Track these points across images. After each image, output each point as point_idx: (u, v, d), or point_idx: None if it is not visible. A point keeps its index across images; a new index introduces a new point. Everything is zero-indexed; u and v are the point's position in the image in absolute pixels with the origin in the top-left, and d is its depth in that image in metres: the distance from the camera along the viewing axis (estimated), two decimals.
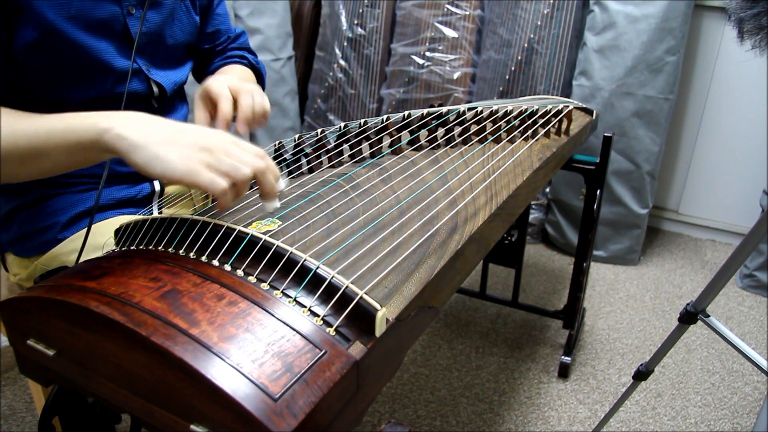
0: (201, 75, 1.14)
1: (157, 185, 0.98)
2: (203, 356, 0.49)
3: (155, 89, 0.95)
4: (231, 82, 0.84)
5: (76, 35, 0.81)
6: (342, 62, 2.53)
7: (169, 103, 1.01)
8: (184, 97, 1.08)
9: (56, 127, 0.64)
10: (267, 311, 0.54)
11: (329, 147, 0.92)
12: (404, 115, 1.02)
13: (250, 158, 0.63)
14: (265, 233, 0.62)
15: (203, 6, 1.04)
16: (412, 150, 0.98)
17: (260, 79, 1.15)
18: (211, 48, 1.11)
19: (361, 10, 2.44)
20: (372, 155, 0.94)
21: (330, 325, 0.55)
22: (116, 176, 0.93)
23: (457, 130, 1.05)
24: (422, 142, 1.02)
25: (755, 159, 2.23)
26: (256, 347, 0.51)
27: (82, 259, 0.71)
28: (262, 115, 0.85)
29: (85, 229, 0.87)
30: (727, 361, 1.71)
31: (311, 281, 0.58)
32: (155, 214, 0.95)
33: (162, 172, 0.60)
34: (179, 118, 1.04)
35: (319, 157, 0.90)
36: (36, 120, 0.66)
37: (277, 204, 0.67)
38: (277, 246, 0.60)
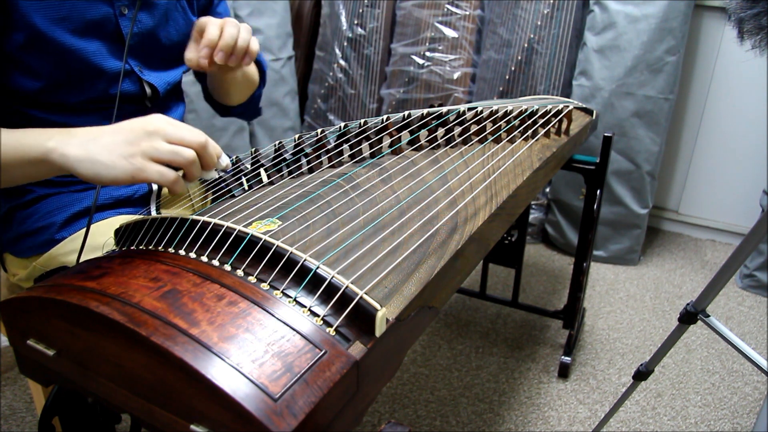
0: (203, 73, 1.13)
1: (154, 185, 0.98)
2: (203, 356, 0.49)
3: (148, 90, 0.94)
4: (224, 20, 0.84)
5: (64, 38, 0.81)
6: (342, 62, 2.53)
7: (163, 104, 1.00)
8: (181, 96, 1.08)
9: (8, 143, 0.65)
10: (267, 311, 0.54)
11: (329, 147, 0.92)
12: (404, 115, 1.02)
13: (189, 135, 0.63)
14: (265, 233, 0.62)
15: (203, 5, 1.04)
16: (412, 150, 0.98)
17: (262, 72, 1.14)
18: None
19: (361, 10, 2.44)
20: (372, 155, 0.94)
21: (330, 325, 0.55)
22: None
23: (457, 130, 1.05)
24: (422, 142, 1.02)
25: (755, 159, 2.23)
26: (256, 347, 0.51)
27: (81, 259, 0.71)
28: (245, 51, 0.84)
29: (84, 229, 0.88)
30: (727, 361, 1.71)
31: (311, 281, 0.58)
32: (153, 213, 0.95)
33: (111, 178, 0.62)
34: (176, 118, 1.04)
35: (319, 157, 0.90)
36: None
37: (214, 174, 0.68)
38: (277, 246, 0.60)
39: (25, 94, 0.84)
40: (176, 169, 0.64)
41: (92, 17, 0.83)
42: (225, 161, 0.68)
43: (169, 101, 1.02)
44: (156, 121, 0.64)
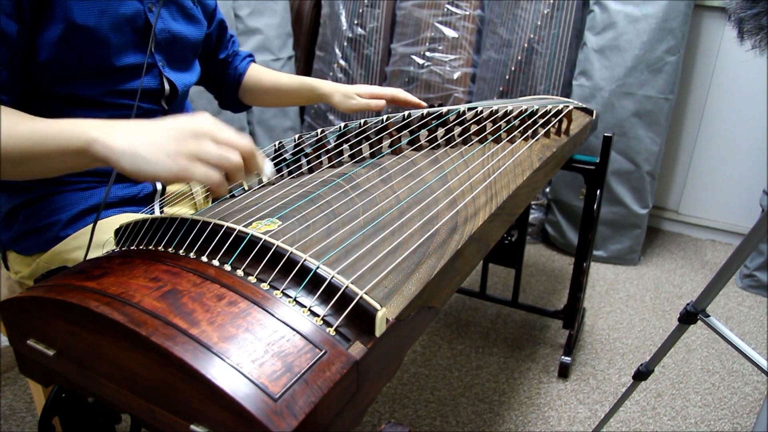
0: (225, 77, 1.21)
1: (158, 184, 0.98)
2: (203, 356, 0.49)
3: (167, 87, 0.96)
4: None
5: (102, 31, 0.83)
6: (342, 62, 2.53)
7: (179, 105, 1.03)
8: (187, 98, 1.10)
9: (50, 133, 0.64)
10: (267, 311, 0.54)
11: (329, 147, 0.92)
12: (404, 115, 1.02)
13: (237, 141, 0.62)
14: (265, 233, 0.62)
15: (208, 12, 1.09)
16: (412, 150, 0.98)
17: None
18: (227, 54, 1.20)
19: (361, 10, 2.44)
20: (372, 155, 0.94)
21: (330, 325, 0.55)
22: (118, 174, 0.94)
23: (457, 130, 1.05)
24: (422, 142, 1.02)
25: (755, 159, 2.23)
26: (256, 347, 0.51)
27: (83, 258, 0.71)
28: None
29: (89, 227, 0.88)
30: (727, 361, 1.71)
31: (311, 281, 0.58)
32: (156, 213, 0.95)
33: (154, 174, 0.60)
34: None
35: (319, 157, 0.90)
36: (33, 123, 0.67)
37: (254, 179, 0.66)
38: (277, 246, 0.60)
39: (40, 87, 0.84)
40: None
41: (125, 12, 0.86)
42: (270, 170, 0.66)
43: (182, 103, 1.05)
44: (205, 121, 0.63)
